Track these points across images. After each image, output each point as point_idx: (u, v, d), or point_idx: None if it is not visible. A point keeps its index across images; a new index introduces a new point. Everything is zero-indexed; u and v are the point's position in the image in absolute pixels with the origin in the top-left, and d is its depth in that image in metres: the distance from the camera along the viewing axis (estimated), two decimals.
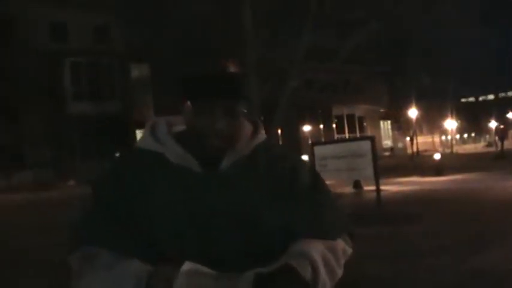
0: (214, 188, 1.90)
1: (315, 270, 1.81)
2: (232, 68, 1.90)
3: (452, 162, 36.21)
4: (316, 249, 1.86)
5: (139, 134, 42.01)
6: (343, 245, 1.99)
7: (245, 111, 1.94)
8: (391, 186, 21.43)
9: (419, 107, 56.37)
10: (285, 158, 2.07)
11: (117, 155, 2.07)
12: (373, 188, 14.50)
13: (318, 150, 14.60)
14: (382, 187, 15.23)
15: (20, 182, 34.39)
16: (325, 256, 1.88)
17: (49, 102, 38.31)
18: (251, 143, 2.01)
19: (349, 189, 18.05)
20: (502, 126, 54.65)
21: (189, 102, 1.90)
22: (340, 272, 1.94)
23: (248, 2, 14.71)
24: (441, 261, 8.66)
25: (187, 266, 1.72)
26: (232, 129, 1.90)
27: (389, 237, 11.03)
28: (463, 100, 76.62)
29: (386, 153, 59.89)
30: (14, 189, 30.64)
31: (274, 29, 15.56)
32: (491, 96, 67.65)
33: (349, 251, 2.02)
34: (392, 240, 10.77)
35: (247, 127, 2.04)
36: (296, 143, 44.63)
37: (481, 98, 76.03)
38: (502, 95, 62.65)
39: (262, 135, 2.07)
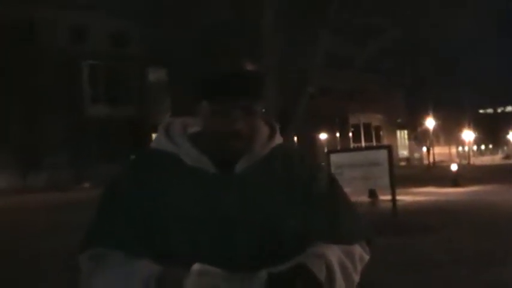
0: (229, 190, 1.86)
1: (330, 272, 1.78)
2: (249, 68, 1.86)
3: (469, 174, 35.98)
4: (333, 252, 1.83)
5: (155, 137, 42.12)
6: (360, 251, 1.95)
7: (262, 111, 1.91)
8: (407, 196, 21.30)
9: (436, 117, 56.12)
10: (302, 161, 2.03)
11: (132, 158, 2.04)
12: (388, 197, 14.40)
13: (334, 158, 14.55)
14: (398, 197, 15.13)
15: (35, 184, 34.67)
16: (342, 260, 1.84)
17: (67, 105, 38.59)
18: (268, 145, 1.97)
19: (364, 198, 17.94)
20: None
21: (205, 102, 1.85)
22: (356, 278, 1.90)
23: (267, 5, 14.70)
24: (456, 272, 8.59)
25: (197, 266, 1.69)
26: (249, 130, 1.86)
27: (404, 247, 10.96)
28: (481, 111, 76.17)
29: (403, 163, 59.75)
30: (30, 191, 30.85)
31: (293, 33, 15.53)
32: (509, 108, 67.20)
33: (366, 257, 1.98)
34: (407, 250, 10.70)
35: (264, 129, 2.00)
36: (312, 150, 44.60)
37: (499, 110, 75.55)
38: None
39: (279, 137, 2.03)
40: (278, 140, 2.02)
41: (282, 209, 1.87)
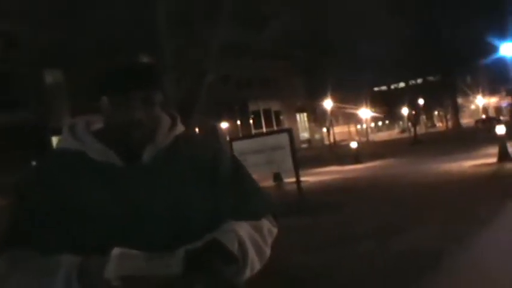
0: (138, 181, 1.91)
1: (241, 244, 1.86)
2: (144, 60, 1.93)
3: (369, 150, 36.96)
4: (242, 227, 1.91)
5: (55, 140, 41.03)
6: (268, 225, 2.04)
7: (161, 102, 1.95)
8: (311, 177, 21.70)
9: (334, 98, 57.24)
10: (205, 147, 2.10)
11: (33, 164, 2.03)
12: (293, 179, 14.63)
13: (237, 145, 14.59)
14: (302, 178, 15.40)
15: None
16: (251, 234, 1.93)
17: None
18: (170, 134, 2.03)
19: (270, 183, 18.15)
20: (413, 112, 56.06)
21: (104, 98, 1.90)
22: (268, 251, 2.00)
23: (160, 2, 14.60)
24: (365, 247, 8.82)
25: (117, 250, 1.73)
26: (151, 119, 1.91)
27: (312, 226, 11.18)
28: (376, 89, 78.11)
29: (304, 145, 60.66)
30: None
31: (189, 23, 15.46)
32: (402, 84, 69.19)
33: (275, 230, 2.07)
34: (315, 229, 10.91)
35: (166, 119, 2.04)
36: (214, 139, 44.50)
37: (392, 86, 77.66)
38: (412, 82, 64.19)
39: (181, 126, 2.08)
40: (180, 129, 2.07)
41: (191, 194, 1.93)
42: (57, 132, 40.21)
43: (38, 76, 40.80)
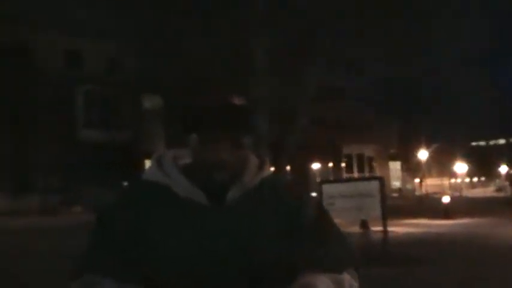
0: (220, 221, 1.89)
1: None
2: (237, 100, 1.92)
3: (461, 206, 35.96)
4: (322, 281, 1.84)
5: (147, 163, 42.02)
6: (349, 279, 1.95)
7: (251, 143, 1.95)
8: (399, 228, 21.27)
9: (429, 149, 56.29)
10: (292, 192, 2.05)
11: (125, 184, 2.05)
12: (380, 228, 14.38)
13: (326, 188, 14.51)
14: (390, 228, 15.11)
15: (27, 207, 34.46)
16: None
17: (60, 129, 38.56)
18: (257, 177, 2.00)
19: (355, 229, 17.89)
20: None
21: (194, 135, 1.91)
22: None
23: (260, 38, 14.81)
24: None
25: None
26: (238, 161, 1.91)
27: (395, 278, 10.93)
28: (473, 144, 76.43)
29: (395, 194, 59.72)
30: (21, 214, 30.68)
31: (284, 67, 15.63)
32: (502, 141, 67.43)
33: (356, 285, 1.98)
34: (398, 281, 10.66)
35: (254, 161, 2.02)
36: (304, 180, 44.56)
37: (491, 142, 75.85)
38: None
39: (268, 169, 2.06)
40: (267, 171, 2.04)
41: (271, 240, 1.89)
42: (150, 155, 41.56)
43: (137, 100, 42.10)
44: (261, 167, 2.03)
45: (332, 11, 15.22)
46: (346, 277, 1.94)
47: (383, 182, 14.24)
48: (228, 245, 1.86)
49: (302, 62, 15.64)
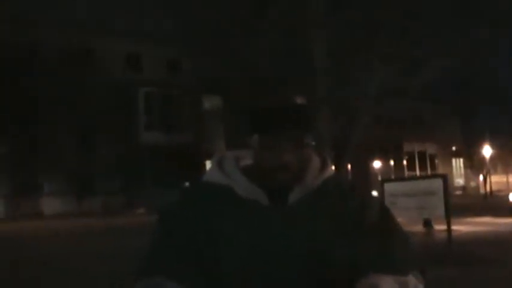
0: (282, 222, 1.88)
1: None
2: (298, 100, 1.91)
3: None
4: (387, 283, 1.81)
5: (208, 164, 42.42)
6: (414, 281, 1.92)
7: (313, 143, 1.93)
8: (463, 227, 20.92)
9: (493, 145, 55.12)
10: (354, 193, 2.03)
11: (186, 185, 2.07)
12: (444, 227, 14.16)
13: (388, 187, 14.40)
14: (454, 227, 14.86)
15: (89, 208, 35.22)
16: None
17: (122, 131, 39.25)
18: (320, 177, 1.98)
19: (419, 228, 17.67)
20: None
21: (255, 136, 1.90)
22: None
23: (319, 35, 14.78)
24: None
25: None
26: (300, 162, 1.89)
27: (461, 279, 10.73)
28: None
29: (458, 192, 58.82)
30: (84, 215, 31.35)
31: (345, 65, 15.55)
32: None
33: (421, 287, 1.93)
34: (463, 282, 10.48)
35: (316, 161, 2.01)
36: (365, 179, 44.26)
37: None
38: None
39: (330, 169, 2.04)
40: (330, 171, 2.02)
41: (334, 241, 1.88)
42: (210, 156, 41.62)
43: (197, 101, 42.52)
44: (323, 167, 2.02)
45: (392, 10, 15.08)
46: (411, 279, 1.91)
47: (446, 179, 14.01)
48: (290, 246, 1.85)
49: (362, 61, 15.53)
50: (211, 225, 1.88)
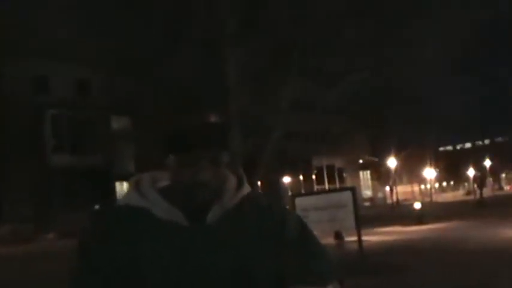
0: (203, 242, 1.88)
1: None
2: (214, 120, 1.93)
3: (433, 211, 36.28)
4: None
5: (119, 186, 41.78)
6: None
7: (228, 161, 1.94)
8: (373, 237, 21.39)
9: (398, 157, 56.66)
10: (271, 209, 2.06)
11: (97, 208, 2.04)
12: (354, 238, 14.44)
13: (299, 201, 14.52)
14: (364, 237, 15.17)
15: None
16: None
17: (30, 154, 38.14)
18: (237, 196, 1.99)
19: (330, 240, 17.94)
20: (479, 174, 55.09)
21: (172, 156, 1.90)
22: None
23: (232, 54, 14.86)
24: None
25: None
26: (217, 180, 1.90)
27: None
28: (441, 149, 77.21)
29: (367, 203, 60.00)
30: None
31: (258, 82, 15.67)
32: (468, 145, 68.19)
33: None
34: None
35: (232, 179, 2.02)
36: (276, 194, 44.54)
37: (458, 147, 76.80)
38: (479, 143, 63.07)
39: (247, 187, 2.06)
40: (246, 189, 2.04)
41: (254, 257, 1.90)
42: (121, 177, 40.85)
43: (106, 121, 41.83)
44: (239, 185, 2.03)
45: (304, 28, 15.32)
46: None
47: (355, 192, 14.30)
48: (214, 266, 1.85)
49: (275, 78, 15.70)
50: (133, 250, 1.86)
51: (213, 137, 1.89)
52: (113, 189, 40.79)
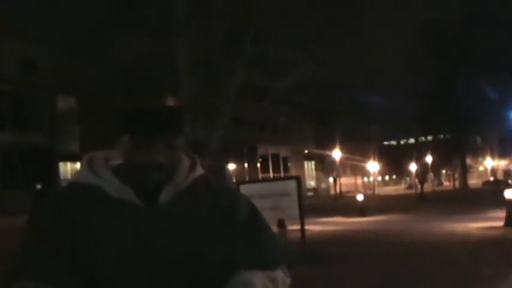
0: (153, 221, 1.88)
1: None
2: (170, 103, 1.91)
3: (375, 204, 36.82)
4: (258, 279, 1.88)
5: (62, 166, 41.18)
6: (282, 276, 2.01)
7: (182, 144, 1.94)
8: (315, 226, 21.58)
9: (343, 149, 57.26)
10: (223, 191, 2.08)
11: (38, 187, 1.99)
12: (297, 227, 14.55)
13: (244, 189, 14.53)
14: (306, 227, 15.31)
15: None
16: (266, 286, 1.89)
17: None
18: (190, 177, 2.00)
19: (273, 229, 18.06)
20: (421, 169, 56.12)
21: (127, 136, 1.89)
22: None
23: (181, 39, 14.77)
24: None
25: None
26: (171, 162, 1.90)
27: (315, 277, 11.07)
28: (385, 143, 78.35)
29: (310, 194, 60.48)
30: None
31: (208, 67, 15.64)
32: (411, 140, 69.34)
33: (288, 280, 2.04)
34: (317, 280, 10.80)
35: (185, 161, 2.02)
36: (222, 181, 44.51)
37: (402, 142, 78.09)
38: (422, 139, 64.19)
39: (199, 169, 2.06)
40: (199, 171, 2.05)
41: (206, 238, 1.91)
42: (64, 157, 40.23)
43: (51, 101, 41.11)
44: (192, 167, 2.04)
45: (256, 13, 15.33)
46: (280, 274, 2.00)
47: (300, 181, 14.41)
48: (165, 245, 1.85)
49: (224, 64, 15.68)
50: (83, 226, 1.84)
51: (169, 121, 1.88)
52: (56, 169, 40.14)
